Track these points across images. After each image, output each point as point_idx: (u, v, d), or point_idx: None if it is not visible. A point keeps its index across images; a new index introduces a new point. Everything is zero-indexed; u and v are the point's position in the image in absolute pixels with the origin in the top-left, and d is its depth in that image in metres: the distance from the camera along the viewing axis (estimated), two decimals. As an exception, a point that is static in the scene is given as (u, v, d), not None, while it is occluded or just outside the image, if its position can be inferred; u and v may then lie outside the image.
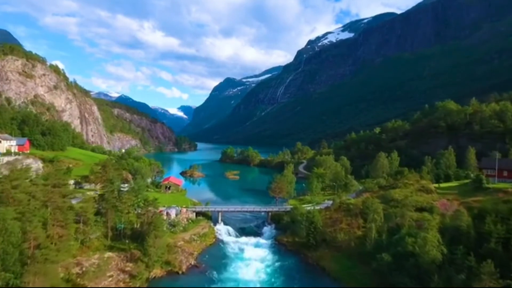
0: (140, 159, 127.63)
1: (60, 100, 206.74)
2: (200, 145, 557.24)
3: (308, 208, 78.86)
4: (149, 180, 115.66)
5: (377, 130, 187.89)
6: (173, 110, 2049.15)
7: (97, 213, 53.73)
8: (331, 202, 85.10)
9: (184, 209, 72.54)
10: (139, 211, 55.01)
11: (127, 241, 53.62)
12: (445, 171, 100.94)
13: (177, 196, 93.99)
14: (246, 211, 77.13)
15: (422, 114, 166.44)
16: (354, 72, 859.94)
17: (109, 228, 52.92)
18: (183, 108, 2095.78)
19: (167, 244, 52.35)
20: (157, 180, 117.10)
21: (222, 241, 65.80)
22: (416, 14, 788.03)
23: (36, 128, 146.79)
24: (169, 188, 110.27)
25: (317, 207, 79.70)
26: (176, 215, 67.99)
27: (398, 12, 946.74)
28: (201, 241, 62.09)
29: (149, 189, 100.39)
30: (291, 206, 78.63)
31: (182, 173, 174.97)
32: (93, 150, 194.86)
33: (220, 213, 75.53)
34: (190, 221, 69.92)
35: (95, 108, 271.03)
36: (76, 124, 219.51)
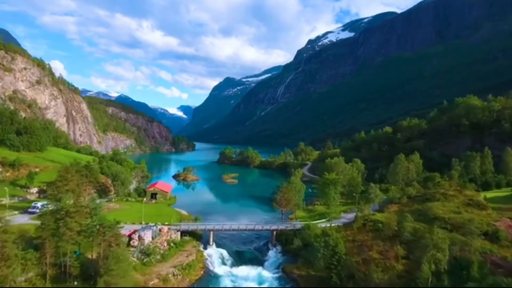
0: (124, 161, 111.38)
1: (43, 97, 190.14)
2: (199, 145, 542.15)
3: (323, 225, 63.12)
4: (132, 186, 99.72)
5: (388, 129, 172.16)
6: (173, 110, 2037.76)
7: (32, 243, 37.70)
8: (350, 215, 69.27)
9: (165, 228, 56.46)
10: (93, 238, 39.10)
11: (75, 282, 37.67)
12: (481, 177, 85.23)
13: (162, 208, 77.85)
14: (245, 230, 61.13)
15: (440, 112, 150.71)
16: (354, 71, 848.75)
17: (48, 264, 36.95)
18: (182, 108, 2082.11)
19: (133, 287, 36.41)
20: (143, 186, 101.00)
21: (212, 273, 49.78)
22: (417, 13, 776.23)
23: (10, 126, 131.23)
24: (155, 197, 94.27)
25: (334, 223, 63.97)
26: (153, 237, 51.95)
27: (398, 11, 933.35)
28: (184, 275, 46.07)
29: (129, 199, 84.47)
30: (301, 223, 62.71)
31: (175, 177, 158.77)
32: (78, 150, 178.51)
33: (211, 232, 59.55)
34: (172, 244, 53.88)
35: (84, 105, 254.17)
36: (61, 122, 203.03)
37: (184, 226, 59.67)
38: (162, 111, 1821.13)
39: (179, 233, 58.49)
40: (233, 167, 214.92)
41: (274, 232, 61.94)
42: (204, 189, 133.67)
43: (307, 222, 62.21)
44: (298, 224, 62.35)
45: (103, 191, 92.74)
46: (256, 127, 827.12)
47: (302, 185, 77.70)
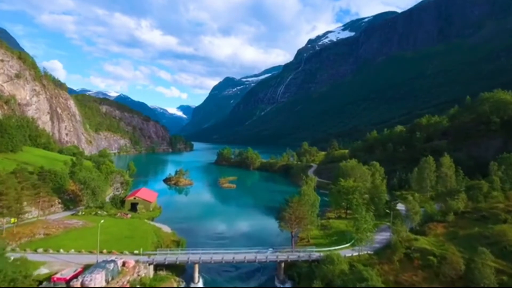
0: (102, 164, 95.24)
1: (23, 92, 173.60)
2: (198, 145, 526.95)
3: (347, 251, 47.19)
4: (109, 195, 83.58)
5: (400, 128, 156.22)
6: (172, 110, 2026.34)
7: None
8: (379, 236, 53.12)
9: (131, 262, 40.34)
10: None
11: None
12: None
13: (138, 224, 61.55)
14: (243, 261, 44.94)
15: (463, 108, 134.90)
16: (355, 70, 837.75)
17: None
18: (182, 108, 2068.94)
19: None
20: (122, 195, 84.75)
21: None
22: (418, 12, 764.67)
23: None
24: (135, 208, 78.25)
25: (362, 249, 47.94)
26: (110, 279, 35.84)
27: (399, 11, 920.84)
28: None
29: (99, 212, 68.16)
30: (318, 251, 46.68)
31: (166, 180, 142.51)
32: (60, 151, 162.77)
33: (197, 265, 43.51)
34: (138, 286, 37.71)
35: (71, 102, 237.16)
36: (44, 120, 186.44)
37: (160, 257, 43.41)
38: (161, 110, 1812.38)
39: (151, 267, 42.31)
40: (231, 169, 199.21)
41: (283, 264, 45.81)
42: (196, 196, 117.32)
43: (326, 250, 46.20)
44: (315, 254, 46.14)
45: (72, 201, 76.76)
46: (256, 127, 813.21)
47: (316, 196, 61.41)
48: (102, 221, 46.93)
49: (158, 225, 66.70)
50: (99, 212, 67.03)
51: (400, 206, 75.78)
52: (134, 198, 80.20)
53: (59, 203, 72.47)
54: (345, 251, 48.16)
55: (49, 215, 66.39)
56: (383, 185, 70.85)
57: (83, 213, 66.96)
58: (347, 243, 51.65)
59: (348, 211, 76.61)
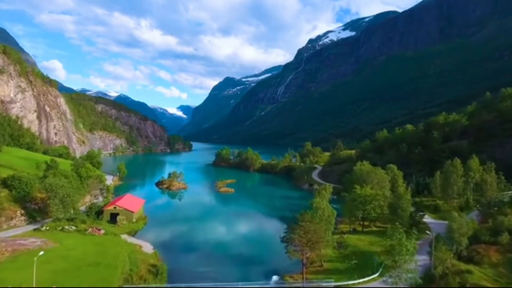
0: (81, 167, 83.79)
1: (7, 89, 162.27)
2: (197, 145, 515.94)
3: (374, 284, 35.76)
4: (85, 205, 71.94)
5: (410, 126, 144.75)
6: (173, 110, 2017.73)
7: None
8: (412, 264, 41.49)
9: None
10: None
11: None
12: None
13: (110, 244, 49.84)
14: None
15: (482, 105, 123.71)
16: (356, 70, 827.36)
17: None
18: (182, 108, 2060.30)
19: None
20: (101, 203, 73.26)
21: None
22: (419, 12, 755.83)
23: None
24: (115, 219, 66.82)
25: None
26: None
27: (399, 10, 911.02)
28: None
29: (66, 227, 56.55)
30: (338, 287, 35.30)
31: (158, 184, 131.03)
32: (46, 152, 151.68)
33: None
34: None
35: (61, 100, 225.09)
36: (31, 119, 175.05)
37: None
38: (161, 110, 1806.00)
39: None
40: (230, 171, 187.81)
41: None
42: (190, 202, 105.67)
43: (349, 285, 34.81)
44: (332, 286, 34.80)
45: (41, 212, 65.26)
46: (256, 127, 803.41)
47: (332, 211, 49.67)
48: (41, 252, 35.20)
49: (138, 242, 55.31)
50: (66, 227, 55.47)
51: (426, 218, 64.81)
52: (114, 208, 68.75)
53: (22, 214, 61.07)
54: (373, 284, 36.83)
55: (7, 230, 55.09)
56: (408, 194, 59.35)
57: (47, 228, 55.50)
58: (372, 271, 40.30)
59: (365, 223, 65.48)
